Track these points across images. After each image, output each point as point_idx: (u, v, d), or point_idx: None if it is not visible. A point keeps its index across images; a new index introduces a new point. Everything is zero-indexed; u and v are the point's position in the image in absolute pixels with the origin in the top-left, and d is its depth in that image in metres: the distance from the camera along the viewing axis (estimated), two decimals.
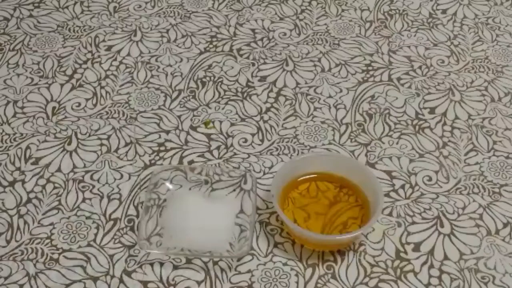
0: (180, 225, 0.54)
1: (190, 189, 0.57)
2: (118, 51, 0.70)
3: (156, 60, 0.69)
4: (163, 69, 0.69)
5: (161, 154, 0.61)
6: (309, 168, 0.57)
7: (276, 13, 0.75)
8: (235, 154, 0.61)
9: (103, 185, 0.58)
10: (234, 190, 0.57)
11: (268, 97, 0.66)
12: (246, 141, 0.62)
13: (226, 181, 0.57)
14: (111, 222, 0.56)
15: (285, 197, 0.55)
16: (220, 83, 0.67)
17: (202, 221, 0.54)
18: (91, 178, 0.59)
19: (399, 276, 0.53)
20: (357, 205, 0.56)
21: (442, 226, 0.56)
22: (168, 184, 0.57)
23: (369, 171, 0.56)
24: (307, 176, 0.57)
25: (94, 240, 0.55)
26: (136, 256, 0.54)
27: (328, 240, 0.53)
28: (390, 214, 0.57)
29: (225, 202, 0.56)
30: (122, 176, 0.59)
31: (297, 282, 0.52)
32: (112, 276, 0.52)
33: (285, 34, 0.73)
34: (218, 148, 0.61)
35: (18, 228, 0.55)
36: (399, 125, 0.64)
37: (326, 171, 0.57)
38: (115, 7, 0.76)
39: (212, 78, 0.68)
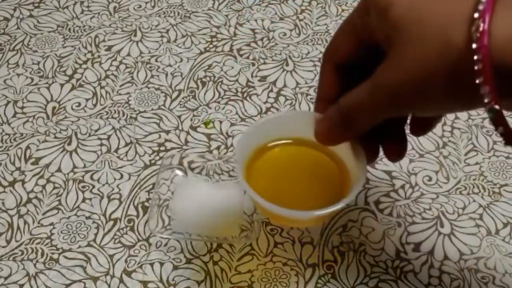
0: (190, 210, 0.55)
1: (196, 176, 0.58)
2: (118, 51, 0.70)
3: (156, 60, 0.70)
4: (163, 69, 0.69)
5: (161, 154, 0.61)
6: (281, 132, 0.48)
7: (276, 13, 0.75)
8: (235, 154, 0.61)
9: (103, 185, 0.59)
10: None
11: (268, 97, 0.66)
12: None
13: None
14: (111, 222, 0.56)
15: (251, 167, 0.47)
16: (220, 83, 0.67)
17: (212, 206, 0.55)
18: (91, 178, 0.59)
19: (399, 276, 0.53)
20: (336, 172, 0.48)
21: (442, 226, 0.56)
22: (177, 171, 0.58)
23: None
24: (279, 142, 0.48)
25: (94, 240, 0.55)
26: (136, 256, 0.54)
27: (304, 216, 0.44)
28: (390, 214, 0.57)
29: (233, 188, 0.57)
30: (122, 176, 0.59)
31: (297, 282, 0.52)
32: (112, 276, 0.52)
33: (285, 34, 0.73)
34: (218, 148, 0.61)
35: (18, 228, 0.55)
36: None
37: (301, 136, 0.47)
38: (115, 7, 0.76)
39: (212, 78, 0.68)
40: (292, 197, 0.46)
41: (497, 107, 0.34)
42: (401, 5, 0.37)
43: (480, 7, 0.33)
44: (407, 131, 0.45)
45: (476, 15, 0.33)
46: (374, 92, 0.38)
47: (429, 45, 0.35)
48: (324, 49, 0.71)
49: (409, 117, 0.46)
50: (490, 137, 0.63)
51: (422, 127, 0.46)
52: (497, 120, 0.34)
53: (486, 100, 0.34)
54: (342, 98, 0.41)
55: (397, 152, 0.45)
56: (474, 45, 0.33)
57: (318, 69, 0.69)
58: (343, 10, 0.76)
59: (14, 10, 0.75)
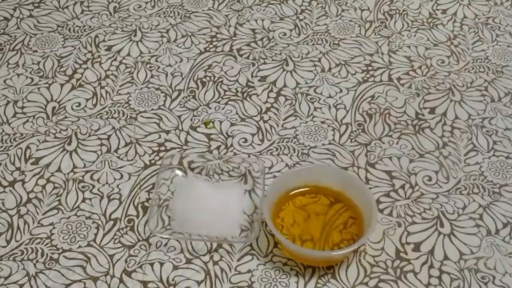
0: (190, 210, 0.55)
1: (196, 176, 0.58)
2: (118, 51, 0.70)
3: (156, 60, 0.69)
4: (163, 69, 0.69)
5: (161, 154, 0.61)
6: (303, 180, 0.56)
7: (276, 13, 0.75)
8: (235, 154, 0.61)
9: (103, 185, 0.58)
10: (241, 179, 0.58)
11: (268, 97, 0.66)
12: (246, 141, 0.62)
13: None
14: (111, 222, 0.56)
15: (278, 211, 0.55)
16: (220, 83, 0.67)
17: (212, 206, 0.55)
18: (91, 178, 0.59)
19: (399, 276, 0.53)
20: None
21: (442, 226, 0.56)
22: (177, 171, 0.58)
23: (364, 185, 0.56)
24: (300, 190, 0.56)
25: (94, 240, 0.55)
26: (136, 256, 0.54)
27: (324, 256, 0.53)
28: (390, 214, 0.57)
29: (233, 188, 0.57)
30: (122, 176, 0.59)
31: (297, 282, 0.52)
32: (112, 276, 0.52)
33: (285, 34, 0.73)
34: (218, 148, 0.61)
35: (18, 228, 0.55)
36: (399, 125, 0.64)
37: (320, 184, 0.56)
38: (115, 7, 0.76)
39: (212, 78, 0.68)
40: (310, 239, 0.54)
41: None
42: None
43: None
44: None
45: None
46: None
47: None
48: (323, 49, 0.71)
49: None
50: (490, 137, 0.63)
51: None
52: None
53: None
54: None
55: None
56: None
57: (318, 69, 0.69)
58: (343, 10, 0.76)
59: (14, 10, 0.75)
